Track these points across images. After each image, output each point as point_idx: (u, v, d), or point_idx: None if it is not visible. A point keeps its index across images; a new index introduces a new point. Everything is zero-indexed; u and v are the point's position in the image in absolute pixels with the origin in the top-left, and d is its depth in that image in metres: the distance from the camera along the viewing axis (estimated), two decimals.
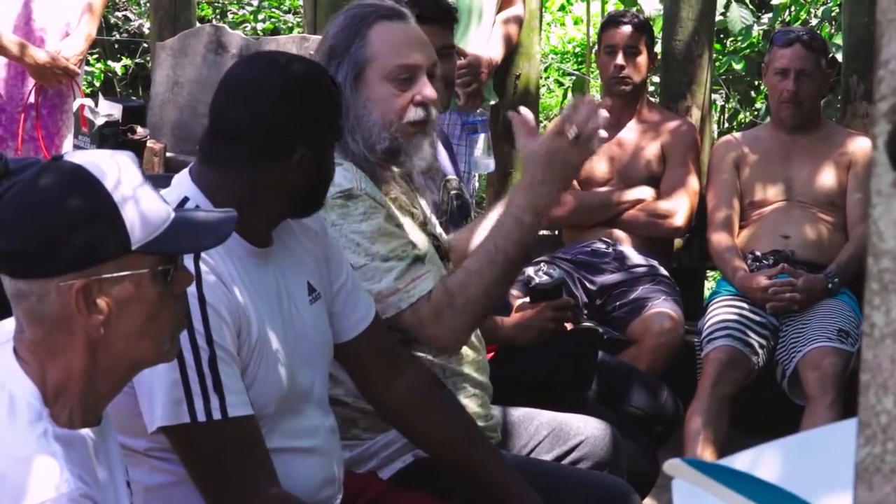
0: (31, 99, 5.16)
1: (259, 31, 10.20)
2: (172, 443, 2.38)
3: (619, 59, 5.03)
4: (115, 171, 1.95)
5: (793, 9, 7.92)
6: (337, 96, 2.57)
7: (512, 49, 5.49)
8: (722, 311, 4.58)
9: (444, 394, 2.83)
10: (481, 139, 4.71)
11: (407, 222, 2.98)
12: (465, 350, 3.05)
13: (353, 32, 2.92)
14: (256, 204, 2.43)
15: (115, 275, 1.92)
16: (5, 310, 2.00)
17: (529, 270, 3.85)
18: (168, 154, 5.43)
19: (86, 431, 1.97)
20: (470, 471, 2.77)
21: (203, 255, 2.29)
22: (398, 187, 3.02)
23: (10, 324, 2.00)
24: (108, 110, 5.17)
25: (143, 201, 1.95)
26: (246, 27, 10.22)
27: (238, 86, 2.48)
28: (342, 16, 2.97)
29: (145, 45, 9.76)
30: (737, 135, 5.18)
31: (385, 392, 2.75)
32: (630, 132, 5.11)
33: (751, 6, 7.71)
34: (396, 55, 2.90)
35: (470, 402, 3.02)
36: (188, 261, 2.17)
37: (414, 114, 2.90)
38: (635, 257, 4.91)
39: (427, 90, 2.92)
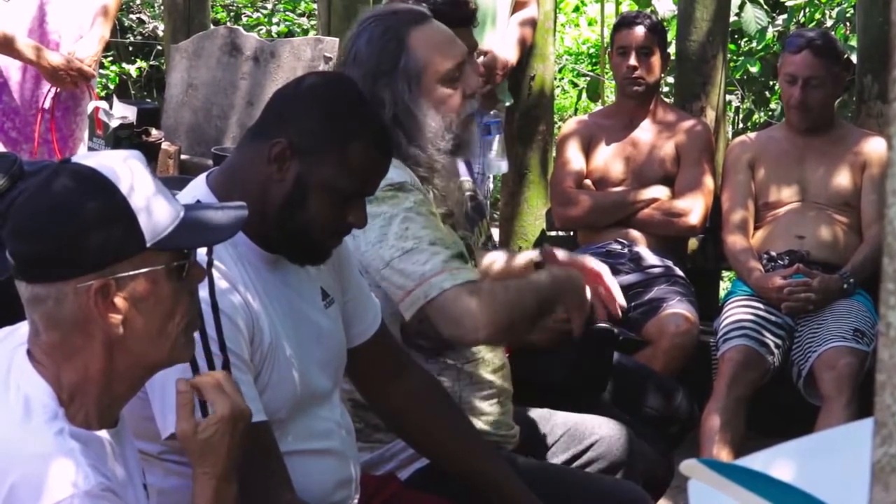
0: (47, 103, 5.17)
1: (273, 34, 10.20)
2: None
3: (632, 60, 5.04)
4: (126, 171, 1.95)
5: (808, 10, 7.90)
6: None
7: (526, 50, 5.49)
8: (737, 311, 4.57)
9: (446, 402, 2.83)
10: (496, 141, 4.70)
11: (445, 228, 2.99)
12: (490, 356, 3.07)
13: (394, 46, 2.92)
14: (267, 212, 2.42)
15: (131, 273, 1.93)
16: (15, 314, 2.00)
17: None
18: (183, 156, 5.44)
19: (102, 433, 1.97)
20: (473, 478, 2.78)
21: (216, 261, 2.28)
22: (436, 190, 3.04)
23: (24, 327, 2.01)
24: (123, 113, 5.19)
25: (154, 199, 1.95)
26: (260, 30, 10.23)
27: (282, 93, 2.51)
28: (367, 34, 2.94)
29: (160, 47, 9.78)
30: (751, 135, 5.18)
31: (386, 398, 2.77)
32: (644, 132, 5.11)
33: (765, 7, 7.69)
34: (445, 57, 2.93)
35: (493, 408, 3.04)
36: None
37: (469, 107, 2.97)
38: (651, 258, 4.90)
39: (472, 81, 2.99)
